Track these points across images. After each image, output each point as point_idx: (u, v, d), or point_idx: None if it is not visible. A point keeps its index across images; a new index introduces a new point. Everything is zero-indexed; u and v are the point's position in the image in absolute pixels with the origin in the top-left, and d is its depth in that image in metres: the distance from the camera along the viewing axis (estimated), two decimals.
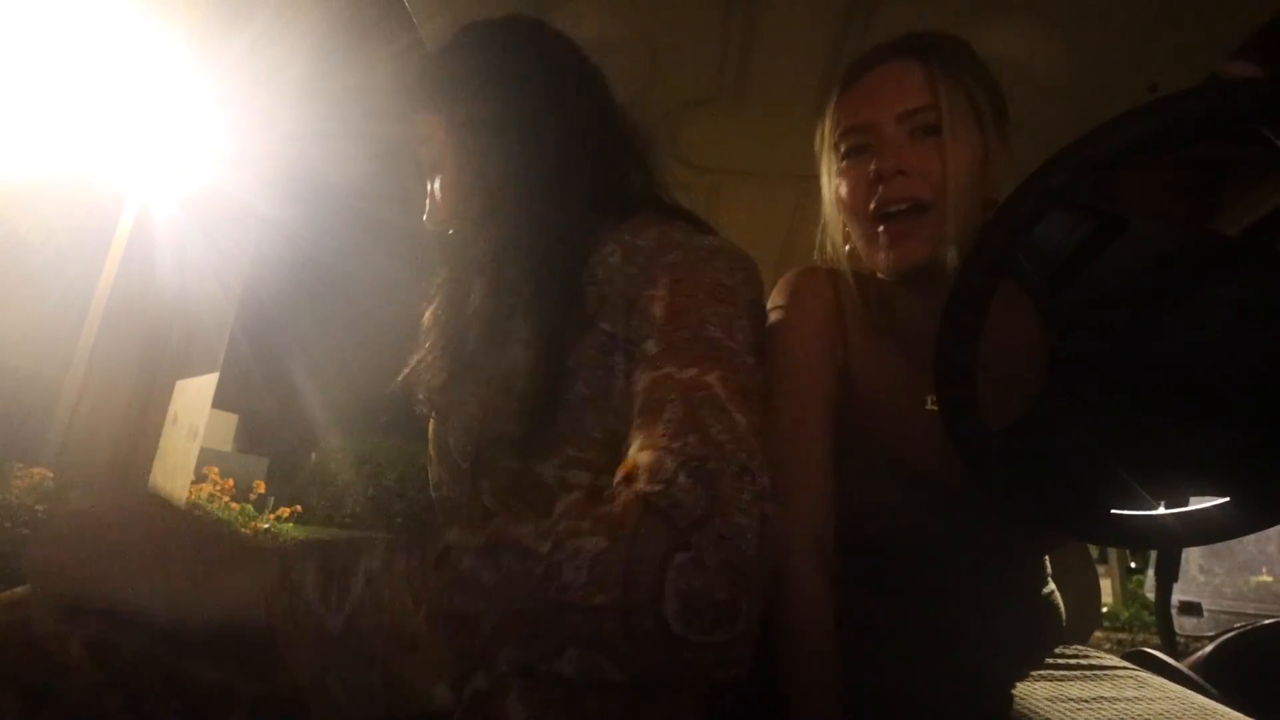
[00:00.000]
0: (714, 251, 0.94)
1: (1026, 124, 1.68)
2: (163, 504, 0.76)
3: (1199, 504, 0.99)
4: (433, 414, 1.10)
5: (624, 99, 1.70)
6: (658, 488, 0.66)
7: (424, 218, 1.09)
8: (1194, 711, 0.97)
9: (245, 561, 0.70)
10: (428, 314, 1.13)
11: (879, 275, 1.16)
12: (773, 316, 1.16)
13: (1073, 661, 1.15)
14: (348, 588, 0.67)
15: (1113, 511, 0.98)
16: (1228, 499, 0.95)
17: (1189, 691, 1.04)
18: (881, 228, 1.06)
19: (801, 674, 0.95)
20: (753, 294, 0.94)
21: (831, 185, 1.15)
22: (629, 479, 0.70)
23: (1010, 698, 1.05)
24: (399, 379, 1.11)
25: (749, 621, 0.61)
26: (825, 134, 1.17)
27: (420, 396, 1.10)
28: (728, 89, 1.69)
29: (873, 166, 1.05)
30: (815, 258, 1.22)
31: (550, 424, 0.92)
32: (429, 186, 1.09)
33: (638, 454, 0.72)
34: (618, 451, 0.81)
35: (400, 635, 0.65)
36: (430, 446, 1.11)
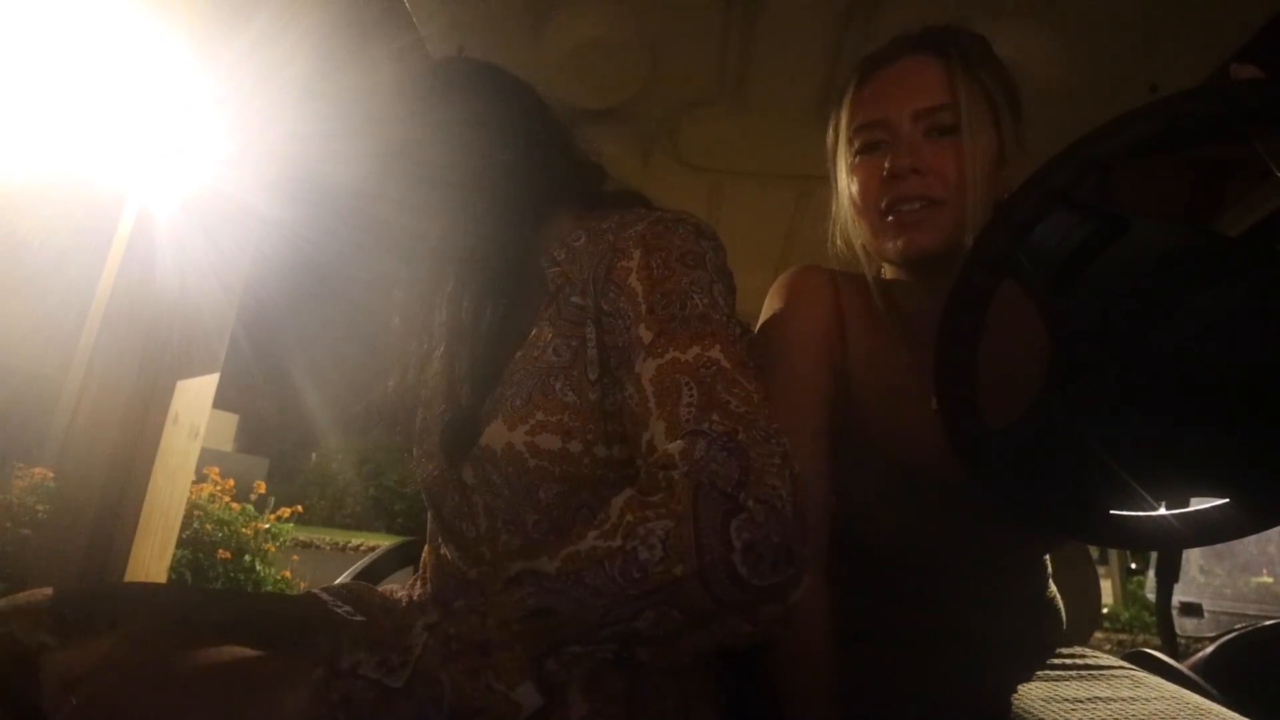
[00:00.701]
0: (677, 220, 0.97)
1: (1027, 124, 1.68)
2: (191, 634, 0.74)
3: (1199, 505, 0.99)
4: (417, 408, 1.14)
5: (623, 100, 1.70)
6: (699, 467, 0.70)
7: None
8: (1189, 711, 0.97)
9: (289, 675, 0.67)
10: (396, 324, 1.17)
11: (886, 275, 1.16)
12: (770, 315, 1.17)
13: (1070, 662, 1.14)
14: (407, 645, 0.66)
15: (1113, 512, 0.98)
16: (1228, 500, 0.95)
17: (1185, 691, 1.04)
18: (891, 217, 1.05)
19: (797, 672, 0.96)
20: (721, 261, 0.96)
21: (844, 180, 1.13)
22: (666, 466, 0.72)
23: (1009, 699, 1.04)
24: (391, 384, 1.13)
25: (802, 559, 0.67)
26: (840, 128, 1.14)
27: (404, 389, 1.14)
28: (727, 90, 1.69)
29: (887, 163, 1.03)
30: (830, 251, 1.20)
31: (495, 391, 0.97)
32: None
33: (668, 442, 0.75)
34: (588, 415, 0.90)
35: (469, 648, 0.65)
36: (417, 437, 1.13)
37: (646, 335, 0.85)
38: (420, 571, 1.18)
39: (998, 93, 1.06)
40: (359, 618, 1.04)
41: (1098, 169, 0.83)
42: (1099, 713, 0.96)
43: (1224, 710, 0.99)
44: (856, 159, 1.10)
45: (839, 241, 1.19)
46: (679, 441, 0.74)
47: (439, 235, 1.03)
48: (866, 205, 1.08)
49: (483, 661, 0.64)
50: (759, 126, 1.80)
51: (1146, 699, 1.00)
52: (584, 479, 0.92)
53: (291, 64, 1.23)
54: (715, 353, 0.81)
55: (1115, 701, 1.00)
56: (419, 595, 1.13)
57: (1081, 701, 0.99)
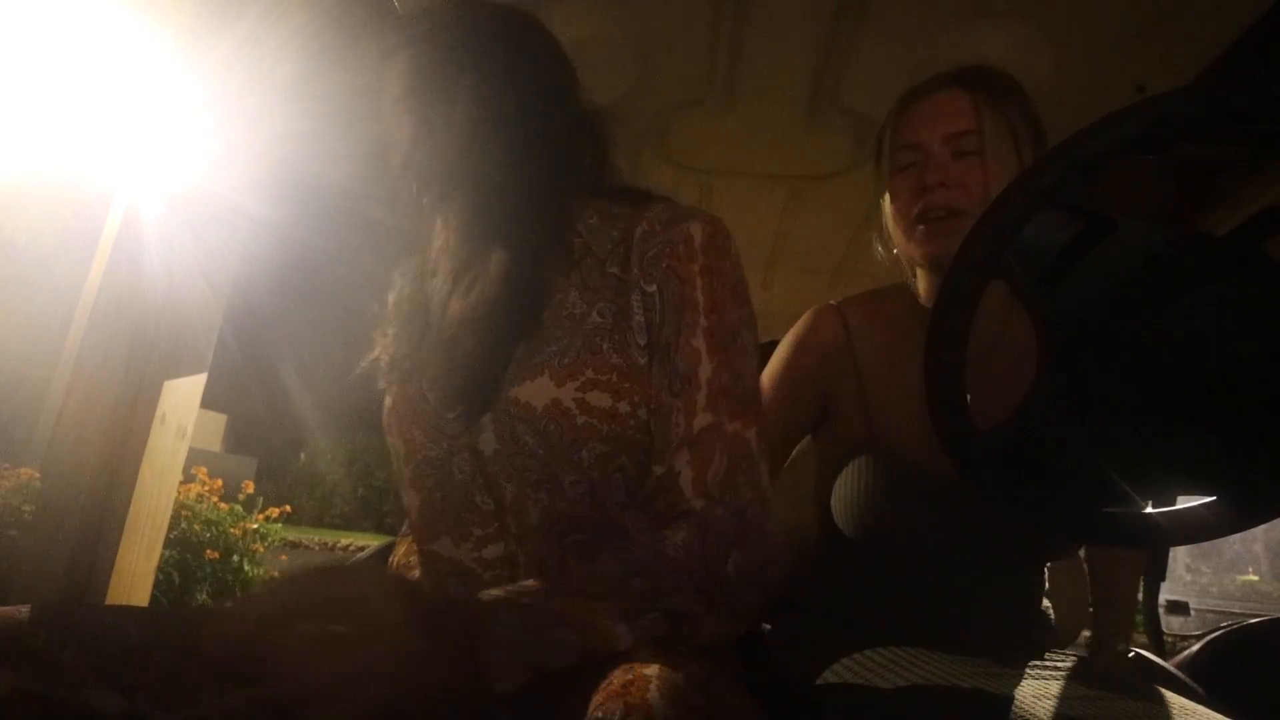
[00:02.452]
0: (726, 235, 1.04)
1: None
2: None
3: (1186, 503, 0.99)
4: (393, 387, 1.10)
5: (613, 99, 1.70)
6: (715, 523, 0.90)
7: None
8: (1167, 710, 0.97)
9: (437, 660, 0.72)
10: (389, 301, 1.14)
11: (919, 281, 1.31)
12: (779, 350, 1.39)
13: (1056, 661, 1.15)
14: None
15: (1100, 511, 0.99)
16: (1214, 498, 0.96)
17: (1167, 693, 1.05)
18: (921, 225, 1.20)
19: None
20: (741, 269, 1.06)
21: (886, 194, 1.29)
22: (688, 515, 0.91)
23: (1005, 697, 1.05)
24: (360, 366, 1.11)
25: (765, 580, 0.92)
26: (884, 149, 1.29)
27: (384, 367, 1.10)
28: (717, 90, 1.69)
29: (920, 178, 1.20)
30: (876, 253, 1.37)
31: (530, 348, 0.99)
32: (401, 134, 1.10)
33: (694, 499, 0.92)
34: (634, 378, 0.96)
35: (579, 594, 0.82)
36: (392, 421, 1.09)
37: (703, 390, 0.96)
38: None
39: (1020, 123, 1.20)
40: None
41: (1085, 169, 0.84)
42: (1085, 710, 0.96)
43: (1201, 708, 0.99)
44: (895, 176, 1.25)
45: (879, 248, 1.37)
46: (701, 501, 0.92)
47: (470, 192, 1.06)
48: (901, 215, 1.24)
49: (592, 604, 0.80)
50: (749, 126, 1.81)
51: (1129, 698, 1.00)
52: (625, 440, 0.96)
53: (280, 63, 1.22)
54: (750, 434, 0.96)
55: (1100, 700, 1.00)
56: None
57: (1068, 699, 1.00)
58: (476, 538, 1.00)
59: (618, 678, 0.73)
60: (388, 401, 1.11)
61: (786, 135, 1.82)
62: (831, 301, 1.36)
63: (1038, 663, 1.14)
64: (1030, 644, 1.19)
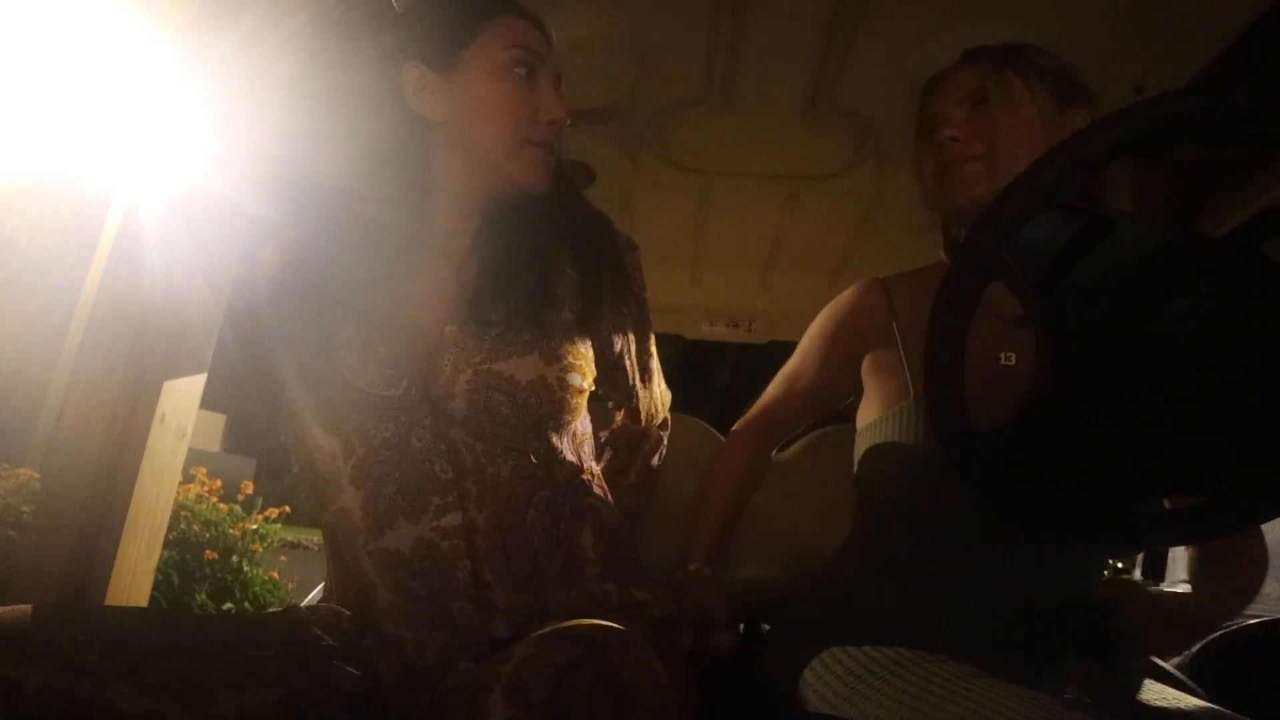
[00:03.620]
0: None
1: None
2: None
3: (1184, 504, 0.99)
4: (300, 391, 1.12)
5: (612, 99, 1.70)
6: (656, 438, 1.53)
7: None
8: (1164, 705, 0.97)
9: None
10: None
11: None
12: (821, 313, 1.54)
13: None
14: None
15: (1099, 512, 0.99)
16: (1212, 499, 0.96)
17: (1165, 687, 1.04)
18: (943, 183, 1.28)
19: (704, 509, 1.52)
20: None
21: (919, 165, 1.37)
22: (655, 440, 1.52)
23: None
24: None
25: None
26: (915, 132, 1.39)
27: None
28: (716, 90, 1.69)
29: (934, 136, 1.28)
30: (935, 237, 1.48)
31: (521, 328, 1.14)
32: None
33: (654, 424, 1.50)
34: (597, 365, 1.22)
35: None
36: (319, 423, 1.10)
37: (639, 406, 1.42)
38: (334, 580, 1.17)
39: (1027, 70, 1.26)
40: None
41: (1084, 169, 0.84)
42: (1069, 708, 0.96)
43: (1199, 701, 0.99)
44: (919, 145, 1.35)
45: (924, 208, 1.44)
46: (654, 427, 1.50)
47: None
48: (927, 179, 1.33)
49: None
50: (748, 127, 1.80)
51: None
52: (578, 410, 1.17)
53: (280, 63, 1.22)
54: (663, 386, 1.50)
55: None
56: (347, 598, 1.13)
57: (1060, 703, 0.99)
58: (435, 507, 1.04)
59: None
60: (300, 406, 1.12)
61: (785, 136, 1.82)
62: (876, 277, 1.48)
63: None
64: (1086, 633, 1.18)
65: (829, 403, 1.54)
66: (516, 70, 1.15)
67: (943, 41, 1.44)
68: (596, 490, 1.20)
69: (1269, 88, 0.77)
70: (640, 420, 1.44)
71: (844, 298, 1.49)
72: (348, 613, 1.08)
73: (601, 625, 0.87)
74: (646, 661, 0.83)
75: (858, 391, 1.44)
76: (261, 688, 0.88)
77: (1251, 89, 0.78)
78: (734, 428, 1.61)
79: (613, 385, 1.35)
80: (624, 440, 1.48)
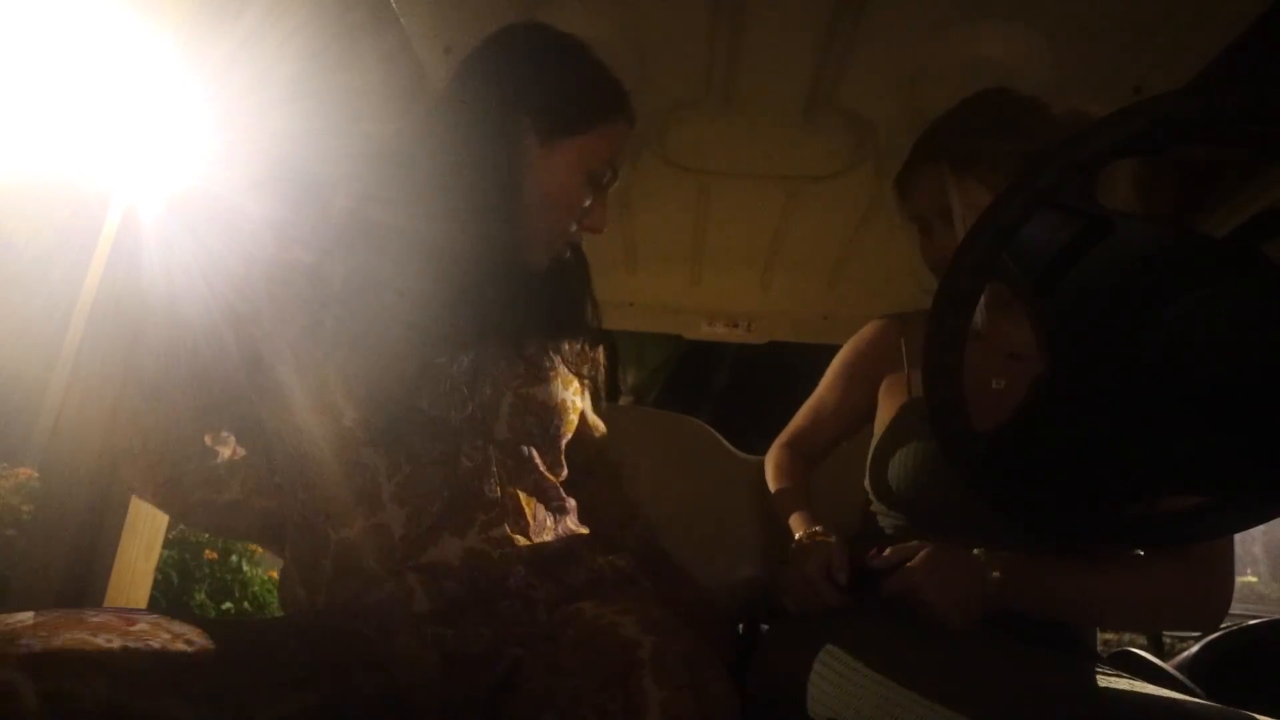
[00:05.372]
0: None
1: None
2: None
3: (1184, 504, 0.99)
4: (348, 417, 1.09)
5: None
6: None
7: None
8: (1153, 705, 0.97)
9: None
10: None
11: None
12: (843, 351, 1.62)
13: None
14: None
15: (1099, 513, 0.99)
16: (1213, 499, 0.96)
17: (1151, 688, 1.04)
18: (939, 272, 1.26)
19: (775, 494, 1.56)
20: None
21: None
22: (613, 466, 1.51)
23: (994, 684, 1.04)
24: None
25: None
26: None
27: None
28: (715, 90, 1.69)
29: (926, 246, 1.37)
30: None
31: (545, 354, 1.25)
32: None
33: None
34: (575, 360, 1.29)
35: None
36: (361, 442, 1.08)
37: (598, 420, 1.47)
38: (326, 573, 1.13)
39: (993, 174, 1.25)
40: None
41: (1083, 170, 0.84)
42: (1055, 707, 0.96)
43: (1183, 698, 0.99)
44: (912, 224, 1.42)
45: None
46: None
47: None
48: (925, 259, 1.39)
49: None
50: (747, 127, 1.80)
51: (1106, 694, 1.00)
52: (574, 426, 1.29)
53: (280, 63, 1.22)
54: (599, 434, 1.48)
55: (1070, 697, 1.00)
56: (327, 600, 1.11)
57: (1058, 699, 0.99)
58: (481, 522, 1.10)
59: (613, 656, 0.84)
60: (348, 423, 1.08)
61: (784, 136, 1.82)
62: (892, 314, 1.57)
63: (1036, 657, 1.13)
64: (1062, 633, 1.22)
65: (851, 425, 1.61)
66: (602, 180, 1.20)
67: (943, 44, 1.44)
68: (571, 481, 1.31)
69: (1269, 88, 0.77)
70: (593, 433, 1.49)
71: (863, 332, 1.60)
72: (357, 617, 1.08)
73: (659, 611, 0.97)
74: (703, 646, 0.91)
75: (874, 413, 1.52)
76: (297, 695, 0.89)
77: (1251, 89, 0.78)
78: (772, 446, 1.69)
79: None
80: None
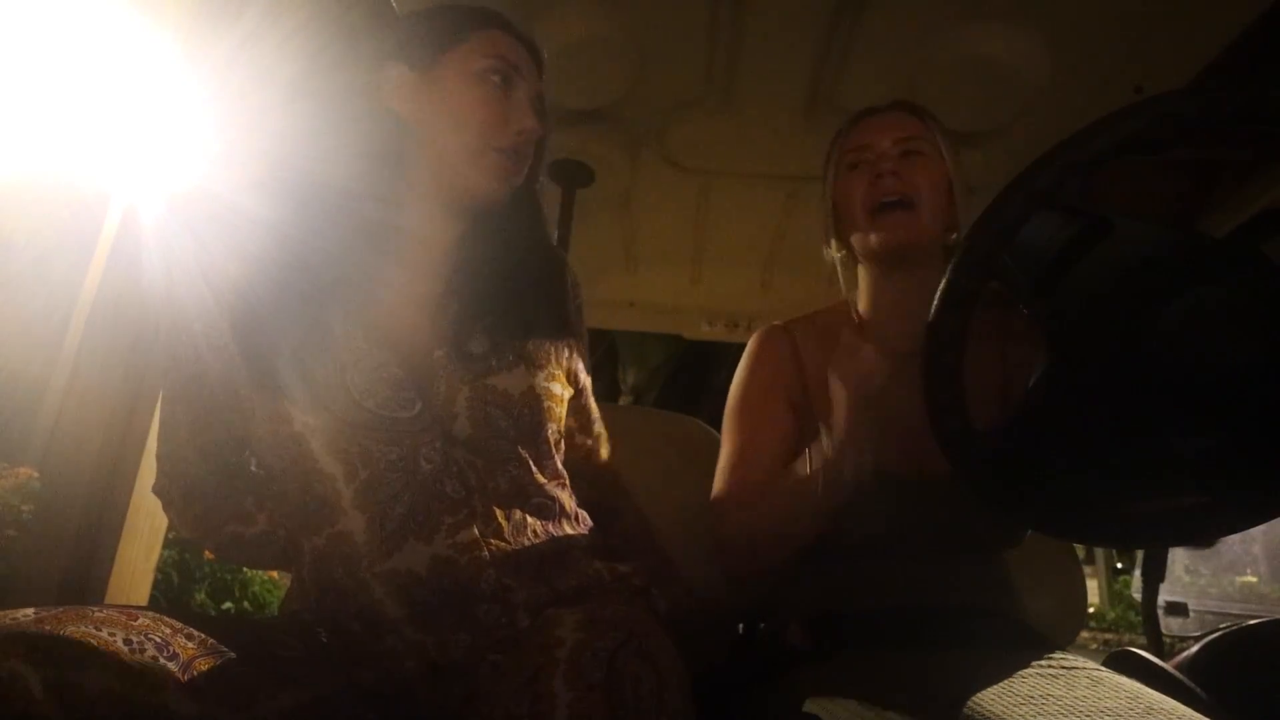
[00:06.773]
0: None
1: (1012, 126, 1.69)
2: None
3: (1185, 504, 0.99)
4: (291, 423, 1.06)
5: (612, 100, 1.70)
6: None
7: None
8: (1140, 710, 0.97)
9: None
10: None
11: (862, 279, 1.45)
12: (741, 370, 1.47)
13: (1040, 662, 1.15)
14: None
15: (1099, 512, 0.99)
16: (1213, 499, 0.96)
17: (1146, 690, 1.04)
18: (875, 217, 1.32)
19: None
20: None
21: (829, 196, 1.43)
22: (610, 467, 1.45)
23: (971, 691, 1.04)
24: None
25: None
26: (833, 157, 1.42)
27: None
28: (716, 90, 1.69)
29: (873, 168, 1.32)
30: (826, 254, 1.49)
31: (506, 342, 1.16)
32: None
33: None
34: (561, 363, 1.21)
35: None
36: (309, 452, 1.06)
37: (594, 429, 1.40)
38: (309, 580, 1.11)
39: (944, 141, 1.36)
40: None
41: (1083, 170, 0.84)
42: (1045, 709, 0.96)
43: (1182, 707, 0.99)
44: (847, 174, 1.38)
45: (829, 252, 1.48)
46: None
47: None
48: (856, 207, 1.35)
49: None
50: (747, 127, 1.81)
51: (1098, 696, 1.00)
52: (561, 417, 1.20)
53: (280, 63, 1.22)
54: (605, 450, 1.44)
55: (1064, 699, 1.00)
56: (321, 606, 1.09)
57: (1033, 699, 0.99)
58: (448, 526, 1.03)
59: (531, 657, 0.81)
60: (307, 427, 1.06)
61: (784, 136, 1.83)
62: (776, 323, 1.49)
63: (1024, 662, 1.13)
64: (1009, 631, 1.23)
65: (790, 447, 1.38)
66: (492, 78, 1.14)
67: (943, 44, 1.44)
68: (568, 484, 1.23)
69: (1269, 88, 0.77)
70: (591, 431, 1.40)
71: (754, 350, 1.47)
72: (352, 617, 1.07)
73: (628, 611, 0.94)
74: (669, 643, 0.89)
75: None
76: (294, 689, 0.89)
77: (1251, 89, 0.78)
78: (714, 497, 1.40)
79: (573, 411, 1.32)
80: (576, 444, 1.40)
